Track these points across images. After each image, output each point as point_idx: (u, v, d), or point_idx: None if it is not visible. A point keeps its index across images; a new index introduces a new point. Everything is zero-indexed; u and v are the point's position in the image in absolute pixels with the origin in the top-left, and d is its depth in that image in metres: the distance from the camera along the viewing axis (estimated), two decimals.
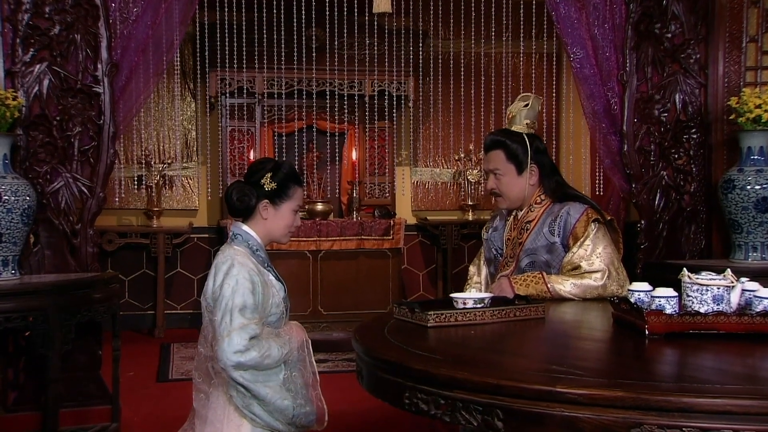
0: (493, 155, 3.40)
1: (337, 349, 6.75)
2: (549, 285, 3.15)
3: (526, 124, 3.41)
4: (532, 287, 3.15)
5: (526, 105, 3.41)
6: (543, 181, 3.40)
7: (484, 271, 3.63)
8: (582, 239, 3.22)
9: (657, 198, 5.07)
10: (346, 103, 7.56)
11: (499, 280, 3.28)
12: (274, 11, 6.08)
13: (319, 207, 7.50)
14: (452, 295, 2.74)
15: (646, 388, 1.79)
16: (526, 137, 3.38)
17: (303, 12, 6.10)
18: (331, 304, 7.42)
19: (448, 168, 8.61)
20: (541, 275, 3.19)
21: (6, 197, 4.08)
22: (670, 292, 2.41)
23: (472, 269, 3.72)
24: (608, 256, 3.21)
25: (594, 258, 3.19)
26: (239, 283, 2.65)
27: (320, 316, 7.24)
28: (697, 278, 2.37)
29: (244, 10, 6.14)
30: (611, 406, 1.76)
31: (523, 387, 1.85)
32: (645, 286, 2.54)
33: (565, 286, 3.16)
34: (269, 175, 2.84)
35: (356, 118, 7.92)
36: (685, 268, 2.43)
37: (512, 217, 3.49)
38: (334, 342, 6.92)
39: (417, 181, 8.61)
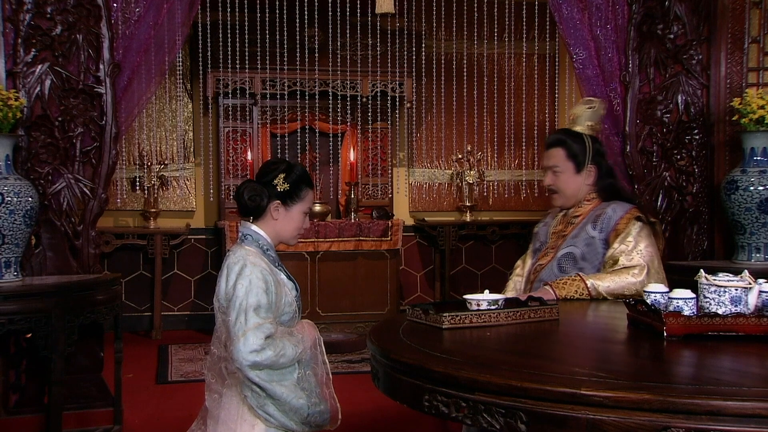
0: (554, 152, 3.49)
1: (336, 350, 6.72)
2: (588, 282, 3.19)
3: (588, 125, 3.50)
4: (569, 287, 3.20)
5: (591, 107, 3.51)
6: (598, 182, 3.48)
7: (528, 264, 3.67)
8: (623, 235, 3.27)
9: (659, 199, 5.07)
10: (348, 103, 7.53)
11: (542, 289, 3.30)
12: (276, 12, 6.05)
13: (317, 208, 7.48)
14: (466, 296, 2.73)
15: (673, 391, 1.78)
16: (586, 138, 3.47)
17: (303, 13, 6.08)
18: (329, 306, 7.42)
19: (445, 169, 8.60)
20: (578, 275, 3.24)
21: (9, 198, 4.05)
22: (687, 293, 2.40)
23: (518, 262, 3.78)
24: (649, 255, 3.26)
25: (634, 254, 3.23)
26: (252, 283, 2.64)
27: (318, 317, 7.23)
28: (715, 280, 2.36)
29: (246, 10, 6.13)
30: (638, 409, 1.75)
31: (547, 389, 1.84)
32: (661, 287, 2.54)
33: (604, 281, 3.20)
34: (282, 175, 2.83)
35: (355, 118, 7.90)
36: (702, 270, 2.42)
37: (562, 213, 3.57)
38: (332, 343, 6.88)
39: (415, 182, 8.59)
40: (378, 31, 7.11)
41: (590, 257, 3.35)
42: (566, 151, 3.44)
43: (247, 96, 7.71)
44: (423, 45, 7.93)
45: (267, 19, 6.40)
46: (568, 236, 3.43)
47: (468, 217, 8.49)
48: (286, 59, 6.99)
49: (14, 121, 4.21)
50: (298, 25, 6.12)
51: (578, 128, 3.50)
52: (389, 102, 7.78)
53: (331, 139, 7.59)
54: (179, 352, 7.00)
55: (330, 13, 6.04)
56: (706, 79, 5.03)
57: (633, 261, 3.22)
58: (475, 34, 6.53)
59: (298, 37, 6.73)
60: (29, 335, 4.38)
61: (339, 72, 7.41)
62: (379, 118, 7.86)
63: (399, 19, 7.41)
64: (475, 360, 2.18)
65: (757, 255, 4.62)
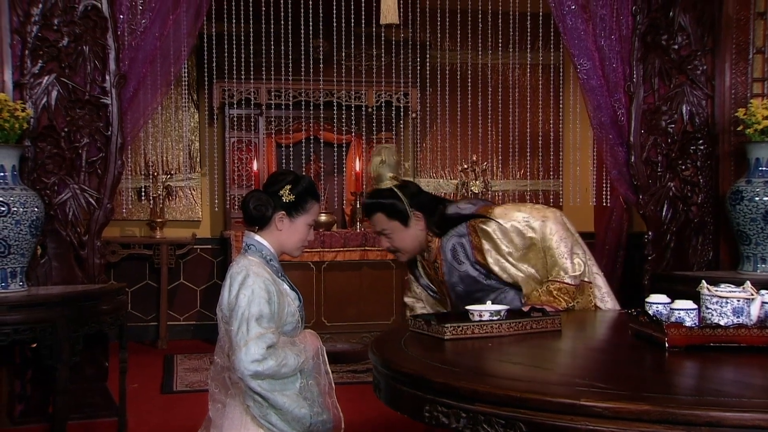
0: (375, 218, 3.43)
1: (341, 360, 6.72)
2: (566, 279, 3.21)
3: (391, 177, 3.43)
4: (561, 295, 3.20)
5: (382, 162, 3.44)
6: (429, 221, 3.43)
7: (425, 297, 3.65)
8: (502, 240, 3.29)
9: (664, 209, 5.08)
10: (354, 114, 7.55)
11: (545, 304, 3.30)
12: (282, 23, 6.08)
13: (323, 218, 7.49)
14: (468, 307, 2.73)
15: (673, 402, 1.78)
16: (396, 190, 3.40)
17: (309, 24, 6.10)
18: (334, 315, 7.41)
19: (451, 179, 8.59)
20: (549, 281, 3.24)
21: (15, 209, 4.07)
22: (689, 304, 2.40)
23: (409, 301, 3.71)
24: (532, 215, 3.32)
25: (529, 225, 3.29)
26: (255, 293, 2.64)
27: (323, 327, 7.22)
28: (717, 290, 2.36)
29: (251, 22, 6.16)
30: (637, 420, 1.75)
31: (547, 400, 1.84)
32: (663, 298, 2.53)
33: (567, 265, 3.22)
34: (288, 187, 2.83)
35: (360, 129, 7.91)
36: (704, 281, 2.42)
37: (420, 261, 3.55)
38: (337, 353, 6.88)
39: None
40: (383, 42, 7.15)
41: (476, 286, 3.38)
42: (385, 212, 3.38)
43: (253, 106, 7.74)
44: (428, 55, 7.94)
45: (272, 29, 6.44)
46: (445, 280, 3.43)
47: None
48: (291, 70, 7.03)
49: (21, 131, 4.24)
50: (303, 35, 6.16)
51: (385, 184, 3.43)
52: (394, 112, 7.80)
53: (336, 149, 7.61)
54: (185, 362, 7.00)
55: (335, 24, 6.07)
56: (710, 89, 5.04)
57: (535, 228, 3.27)
58: (480, 44, 6.55)
59: (303, 48, 6.77)
60: (34, 345, 4.39)
61: (344, 82, 7.44)
62: (384, 129, 7.88)
63: (404, 30, 7.44)
64: (476, 371, 2.19)
65: (763, 265, 4.62)
